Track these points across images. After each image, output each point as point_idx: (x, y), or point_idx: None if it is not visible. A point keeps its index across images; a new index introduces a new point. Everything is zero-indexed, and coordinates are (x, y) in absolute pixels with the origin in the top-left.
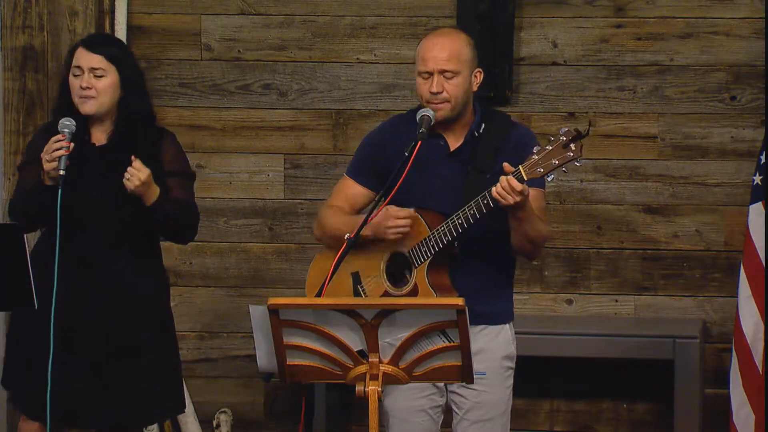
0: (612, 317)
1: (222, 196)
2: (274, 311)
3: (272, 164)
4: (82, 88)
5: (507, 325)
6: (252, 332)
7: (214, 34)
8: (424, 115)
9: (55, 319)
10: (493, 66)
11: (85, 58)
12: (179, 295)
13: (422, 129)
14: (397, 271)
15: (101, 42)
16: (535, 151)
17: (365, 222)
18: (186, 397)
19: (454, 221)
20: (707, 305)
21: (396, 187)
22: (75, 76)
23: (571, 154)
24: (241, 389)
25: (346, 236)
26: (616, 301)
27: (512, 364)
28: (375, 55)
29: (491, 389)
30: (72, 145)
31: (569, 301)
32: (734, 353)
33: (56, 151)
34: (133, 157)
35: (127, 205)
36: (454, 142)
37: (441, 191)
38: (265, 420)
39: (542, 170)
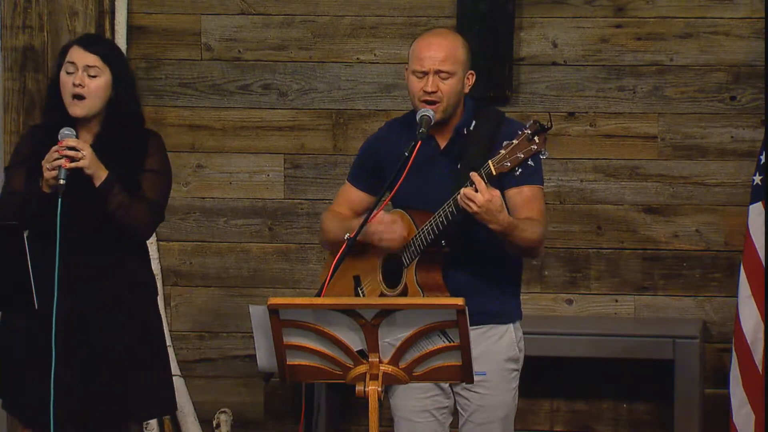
0: (612, 317)
1: (222, 196)
2: (274, 311)
3: (272, 164)
4: (74, 85)
5: (511, 325)
6: (252, 332)
7: (214, 34)
8: (424, 115)
9: (45, 325)
10: (493, 66)
11: (80, 56)
12: (179, 295)
13: (422, 129)
14: (395, 271)
15: (96, 41)
16: (503, 145)
17: (365, 222)
18: (186, 397)
19: (436, 219)
20: (707, 305)
21: (396, 188)
22: (68, 73)
23: (535, 146)
24: (241, 389)
25: (346, 236)
26: (616, 301)
27: (516, 366)
28: (375, 55)
29: (494, 392)
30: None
31: (569, 301)
32: (734, 353)
33: (57, 161)
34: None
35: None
36: (444, 141)
37: (434, 191)
38: (265, 420)
39: (509, 164)
